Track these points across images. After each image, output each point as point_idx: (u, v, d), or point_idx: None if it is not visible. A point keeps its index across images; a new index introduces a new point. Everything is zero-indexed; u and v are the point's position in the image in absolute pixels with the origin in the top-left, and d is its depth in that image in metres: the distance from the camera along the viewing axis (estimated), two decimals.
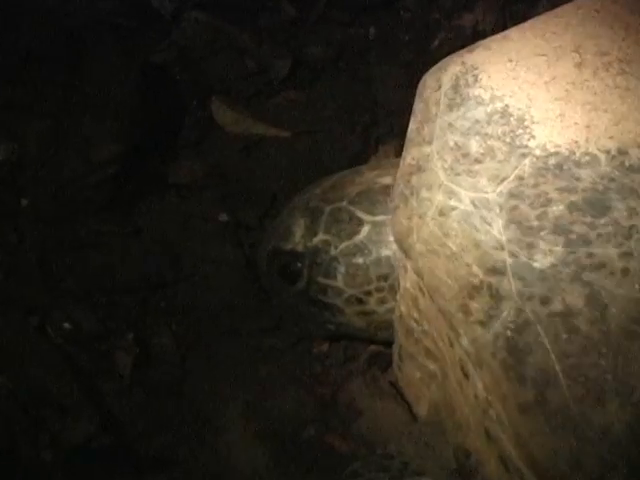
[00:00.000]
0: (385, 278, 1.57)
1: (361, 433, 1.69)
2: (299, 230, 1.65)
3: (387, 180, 1.63)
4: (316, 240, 1.63)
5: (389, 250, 1.57)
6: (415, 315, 1.47)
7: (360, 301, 1.60)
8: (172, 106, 2.21)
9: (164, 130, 2.16)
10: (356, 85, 2.25)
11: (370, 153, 2.09)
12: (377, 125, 2.17)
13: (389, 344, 1.66)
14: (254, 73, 2.26)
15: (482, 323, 1.26)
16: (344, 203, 1.63)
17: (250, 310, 1.90)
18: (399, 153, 1.52)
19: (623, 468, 1.16)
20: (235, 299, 1.92)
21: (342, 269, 1.60)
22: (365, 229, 1.59)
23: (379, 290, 1.58)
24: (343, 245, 1.60)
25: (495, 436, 1.29)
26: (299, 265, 1.64)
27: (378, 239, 1.58)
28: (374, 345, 1.80)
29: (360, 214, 1.61)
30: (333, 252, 1.61)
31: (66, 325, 1.79)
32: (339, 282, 1.61)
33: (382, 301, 1.59)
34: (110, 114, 2.00)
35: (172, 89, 2.24)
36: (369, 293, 1.59)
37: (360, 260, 1.59)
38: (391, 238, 1.53)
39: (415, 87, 1.54)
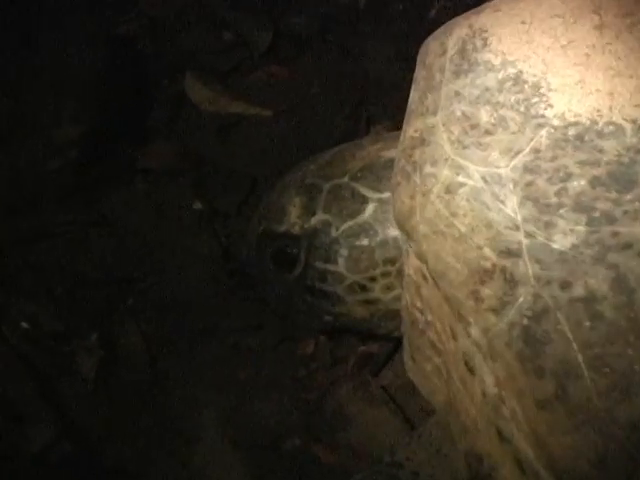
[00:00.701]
0: (392, 262, 1.52)
1: (350, 443, 1.67)
2: (294, 210, 1.59)
3: (392, 153, 1.56)
4: (314, 220, 1.58)
5: (397, 230, 1.49)
6: (418, 304, 1.44)
7: (364, 288, 1.55)
8: (140, 83, 2.20)
9: (132, 110, 2.13)
10: (345, 60, 2.22)
11: (360, 134, 2.04)
12: (368, 104, 2.14)
13: (387, 341, 1.63)
14: (231, 46, 2.24)
15: (495, 311, 1.23)
16: (345, 179, 1.58)
17: (227, 307, 1.88)
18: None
19: None
20: (211, 295, 1.90)
21: (344, 252, 1.55)
22: (370, 207, 1.54)
23: (385, 275, 1.53)
24: (345, 225, 1.55)
25: (509, 436, 1.25)
26: (295, 249, 1.59)
27: (384, 218, 1.53)
28: (364, 346, 1.78)
29: (364, 191, 1.56)
30: (334, 233, 1.56)
31: (23, 324, 1.78)
32: (340, 267, 1.55)
33: (388, 287, 1.53)
34: (71, 92, 1.97)
35: (140, 64, 2.21)
36: (374, 279, 1.54)
37: (365, 242, 1.54)
38: None
39: (410, 61, 1.51)
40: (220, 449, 1.67)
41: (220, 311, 1.88)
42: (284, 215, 1.62)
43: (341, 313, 1.59)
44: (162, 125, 2.15)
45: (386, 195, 1.54)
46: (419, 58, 1.46)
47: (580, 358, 1.16)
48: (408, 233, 1.36)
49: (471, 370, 1.28)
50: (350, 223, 1.54)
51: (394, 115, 1.54)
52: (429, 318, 1.41)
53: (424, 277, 1.39)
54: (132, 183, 2.04)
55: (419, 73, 1.44)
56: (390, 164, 1.52)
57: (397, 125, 1.46)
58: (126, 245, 1.96)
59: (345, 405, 1.71)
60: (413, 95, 1.43)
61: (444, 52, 1.40)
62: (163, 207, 2.01)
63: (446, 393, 1.42)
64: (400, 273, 1.51)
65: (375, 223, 1.53)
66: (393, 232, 1.52)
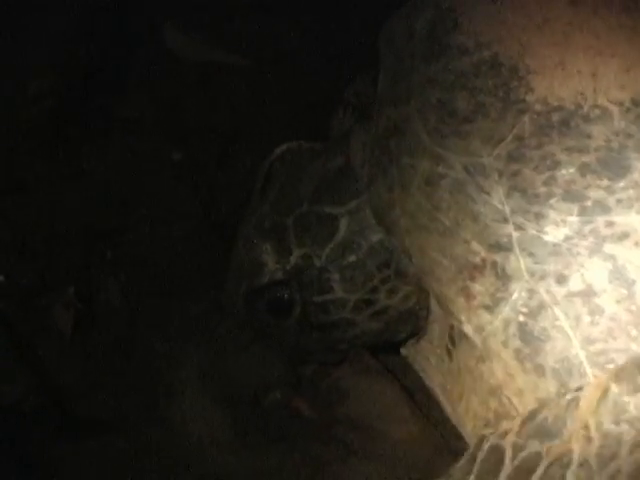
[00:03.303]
0: (387, 265, 1.37)
1: (347, 413, 1.56)
2: (269, 257, 1.43)
3: (339, 161, 1.43)
4: (294, 259, 1.42)
5: (379, 233, 1.36)
6: None
7: (369, 302, 1.40)
8: (119, 31, 2.01)
9: (110, 59, 1.98)
10: (329, 5, 2.02)
11: (344, 84, 1.85)
12: (354, 51, 1.94)
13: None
14: None
15: (488, 308, 1.12)
16: (305, 207, 1.42)
17: (207, 261, 1.75)
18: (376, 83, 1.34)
19: None
20: (190, 249, 1.77)
21: (336, 277, 1.39)
22: (342, 223, 1.39)
23: (385, 281, 1.38)
24: (327, 250, 1.39)
25: None
26: (286, 293, 1.43)
27: (361, 227, 1.37)
28: None
29: (329, 210, 1.40)
30: (319, 263, 1.40)
31: None
32: (338, 292, 1.40)
33: (392, 291, 1.39)
34: (47, 39, 1.85)
35: (120, 13, 2.03)
36: (375, 289, 1.39)
37: (352, 258, 1.38)
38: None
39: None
40: (200, 404, 1.57)
41: (200, 265, 1.76)
42: (261, 266, 1.45)
43: (355, 336, 1.45)
44: (141, 74, 2.00)
45: (353, 204, 1.39)
46: (382, 41, 1.34)
47: (582, 355, 1.07)
48: (388, 228, 1.24)
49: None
50: (330, 246, 1.39)
51: (377, 63, 1.37)
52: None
53: None
54: (109, 134, 1.92)
55: (386, 58, 1.31)
56: (341, 172, 1.41)
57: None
58: (104, 197, 1.82)
59: (341, 378, 1.59)
60: (383, 82, 1.30)
61: (412, 35, 1.27)
62: (141, 158, 1.88)
63: None
64: (399, 272, 1.37)
65: (354, 236, 1.39)
66: (375, 237, 1.37)
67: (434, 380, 1.42)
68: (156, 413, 1.54)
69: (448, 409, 1.38)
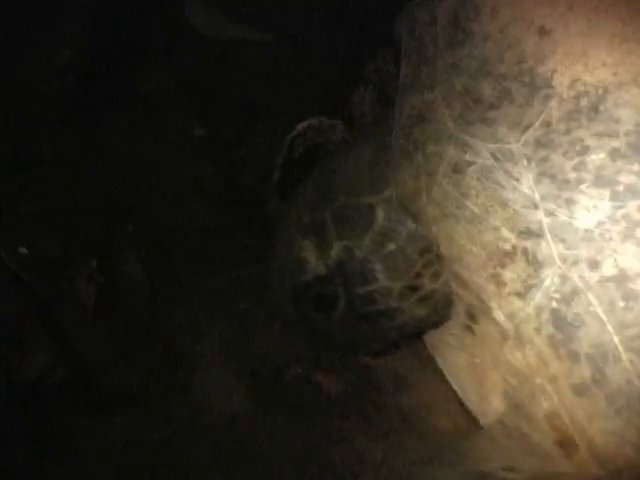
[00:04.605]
0: (427, 250, 1.32)
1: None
2: (310, 253, 1.40)
3: (369, 152, 1.39)
4: (335, 252, 1.38)
5: None
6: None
7: (414, 288, 1.35)
8: (139, 6, 1.95)
9: (130, 34, 1.93)
10: None
11: (365, 58, 1.80)
12: (372, 27, 1.89)
13: None
14: None
15: (520, 295, 1.09)
16: (341, 199, 1.38)
17: (229, 237, 1.72)
18: (398, 63, 1.30)
19: None
20: (212, 224, 1.73)
21: (379, 267, 1.35)
22: (379, 211, 1.34)
23: (427, 266, 1.33)
24: (366, 241, 1.35)
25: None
26: (331, 287, 1.39)
27: (398, 214, 1.33)
28: None
29: (365, 200, 1.36)
30: (360, 254, 1.36)
31: (21, 249, 1.60)
32: (382, 281, 1.35)
33: (436, 275, 1.34)
34: (68, 14, 1.79)
35: None
36: (419, 275, 1.34)
37: (392, 246, 1.34)
38: None
39: None
40: (222, 378, 1.54)
41: (222, 240, 1.72)
42: (303, 264, 1.41)
43: (404, 322, 1.40)
44: (162, 50, 1.97)
45: (387, 192, 1.34)
46: (404, 28, 1.28)
47: (616, 340, 1.04)
48: (414, 216, 1.20)
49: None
50: (369, 236, 1.35)
51: (398, 41, 1.33)
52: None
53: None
54: (131, 109, 1.88)
55: (408, 44, 1.26)
56: (373, 160, 1.37)
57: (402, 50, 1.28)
58: (126, 172, 1.78)
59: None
60: (405, 69, 1.25)
61: (434, 22, 1.22)
62: (163, 133, 1.86)
63: None
64: (439, 256, 1.31)
65: (392, 223, 1.34)
66: (413, 222, 1.32)
67: (453, 365, 1.38)
68: (178, 387, 1.52)
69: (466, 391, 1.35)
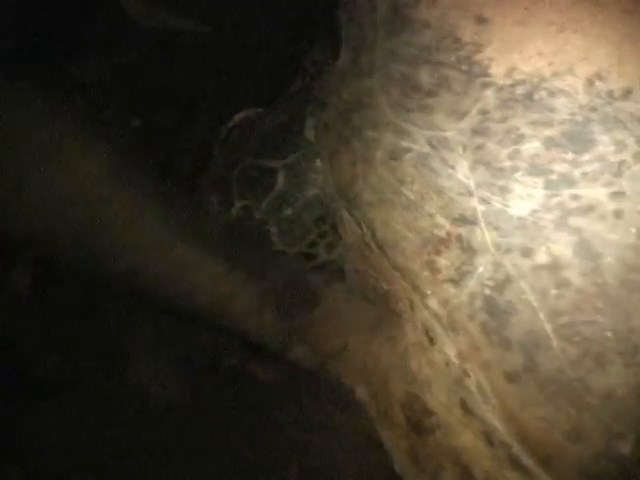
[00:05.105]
0: (323, 220, 1.33)
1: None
2: (213, 208, 1.39)
3: (282, 118, 1.41)
4: (235, 211, 1.37)
5: (315, 188, 1.33)
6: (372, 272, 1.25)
7: (310, 256, 1.35)
8: None
9: (65, 23, 1.84)
10: None
11: (303, 51, 1.79)
12: (312, 18, 1.88)
13: None
14: None
15: (454, 281, 1.08)
16: (249, 160, 1.38)
17: (168, 224, 1.63)
18: (336, 54, 1.29)
19: (630, 436, 1.01)
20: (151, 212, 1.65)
21: (274, 230, 1.35)
22: (280, 176, 1.35)
23: (322, 235, 1.34)
24: (264, 204, 1.35)
25: (474, 409, 1.09)
26: None
27: (298, 181, 1.34)
28: None
29: (269, 163, 1.36)
30: (258, 215, 1.35)
31: None
32: (278, 245, 1.35)
33: (331, 246, 1.34)
34: (2, 2, 1.70)
35: None
36: (314, 244, 1.35)
37: (289, 211, 1.34)
38: (313, 175, 1.32)
39: None
40: (156, 366, 1.50)
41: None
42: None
43: None
44: (99, 40, 1.88)
45: (291, 158, 1.36)
46: (342, 14, 1.26)
47: (548, 327, 1.03)
48: (350, 201, 1.19)
49: (431, 341, 1.11)
50: (268, 199, 1.34)
51: (338, 32, 1.31)
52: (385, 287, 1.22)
53: (367, 245, 1.19)
54: (67, 99, 1.77)
55: (348, 31, 1.24)
56: (281, 127, 1.39)
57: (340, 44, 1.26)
58: None
59: None
60: (344, 55, 1.24)
61: (374, 9, 1.21)
62: (99, 123, 1.75)
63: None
64: (336, 229, 1.31)
65: (291, 189, 1.35)
66: (311, 191, 1.35)
67: None
68: (113, 376, 1.48)
69: None
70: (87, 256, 1.34)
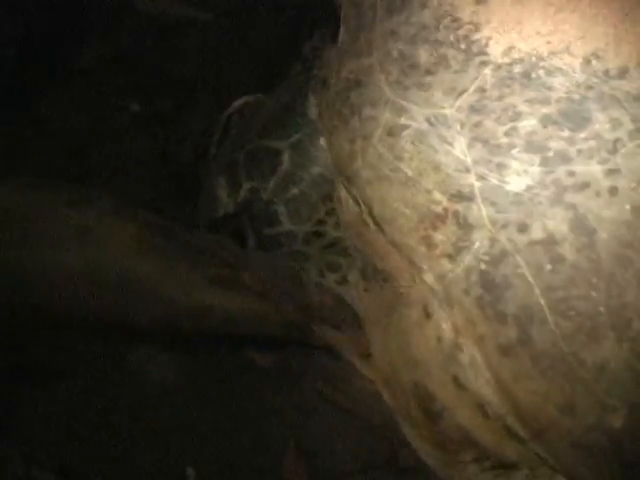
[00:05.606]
0: (330, 198, 1.33)
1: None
2: (222, 190, 1.42)
3: (285, 98, 1.43)
4: (243, 192, 1.39)
5: (320, 166, 1.35)
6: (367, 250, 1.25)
7: (318, 234, 1.35)
8: None
9: (70, 10, 1.89)
10: None
11: (303, 38, 1.79)
12: (312, 5, 1.88)
13: None
14: None
15: (450, 256, 1.08)
16: (255, 141, 1.39)
17: (165, 210, 1.64)
18: (336, 36, 1.30)
19: (622, 410, 1.01)
20: (148, 198, 1.69)
21: (282, 209, 1.37)
22: (285, 157, 1.36)
23: (330, 213, 1.34)
24: (271, 184, 1.36)
25: (467, 384, 1.09)
26: (241, 225, 1.38)
27: (303, 160, 1.35)
28: None
29: (274, 144, 1.36)
30: (265, 196, 1.36)
31: None
32: (286, 225, 1.36)
33: (339, 223, 1.35)
34: None
35: None
36: (322, 222, 1.35)
37: (295, 191, 1.35)
38: (317, 153, 1.34)
39: None
40: (155, 351, 1.49)
41: (157, 214, 1.64)
42: (216, 200, 1.44)
43: (312, 267, 1.39)
44: (100, 25, 1.92)
45: (295, 138, 1.38)
46: None
47: (543, 302, 1.03)
48: (349, 178, 1.19)
49: (428, 315, 1.10)
50: (274, 180, 1.36)
51: (337, 18, 1.32)
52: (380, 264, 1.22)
53: (364, 222, 1.19)
54: (69, 84, 1.83)
55: (347, 11, 1.25)
56: (285, 108, 1.40)
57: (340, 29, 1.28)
58: (64, 147, 1.75)
59: None
60: (343, 35, 1.25)
61: None
62: (101, 108, 1.81)
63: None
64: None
65: (296, 169, 1.36)
66: (316, 170, 1.37)
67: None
68: (112, 360, 1.48)
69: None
70: (120, 315, 1.37)
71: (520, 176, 1.06)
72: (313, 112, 1.32)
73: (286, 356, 1.51)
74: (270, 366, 1.50)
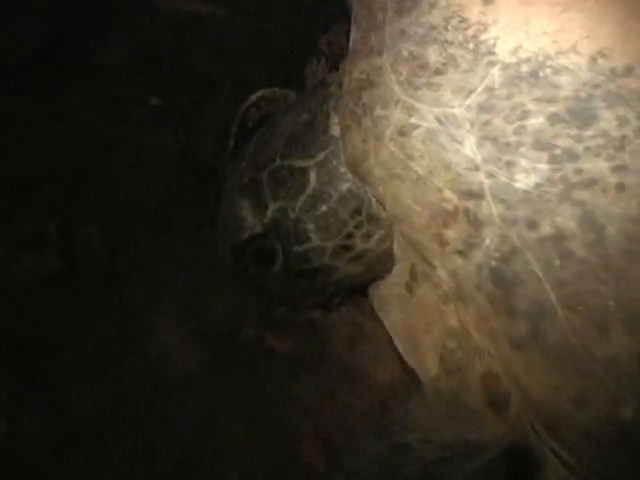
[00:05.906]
0: (358, 212, 1.35)
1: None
2: (247, 212, 1.41)
3: (306, 117, 1.41)
4: (270, 213, 1.39)
5: (347, 182, 1.33)
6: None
7: (346, 248, 1.37)
8: None
9: (91, 6, 1.92)
10: None
11: (319, 33, 1.80)
12: (327, 2, 1.90)
13: None
14: None
15: (461, 253, 1.10)
16: (277, 161, 1.39)
17: (185, 203, 1.72)
18: (349, 35, 1.31)
19: (633, 403, 1.02)
20: (168, 191, 1.73)
21: (311, 227, 1.37)
22: (312, 175, 1.36)
23: (359, 226, 1.36)
24: (299, 202, 1.37)
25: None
26: (268, 244, 1.40)
27: (329, 177, 1.35)
28: None
29: (299, 163, 1.37)
30: (293, 215, 1.37)
31: None
32: (315, 241, 1.37)
33: (368, 235, 1.36)
34: None
35: None
36: (350, 235, 1.36)
37: (324, 208, 1.36)
38: (342, 169, 1.32)
39: None
40: (177, 338, 1.53)
41: (177, 207, 1.72)
42: (241, 222, 1.42)
43: (340, 279, 1.42)
44: (121, 22, 1.95)
45: (321, 156, 1.37)
46: None
47: (553, 297, 1.05)
48: (362, 177, 1.21)
49: (441, 314, 1.13)
50: (302, 198, 1.36)
51: (349, 14, 1.33)
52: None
53: None
54: (91, 79, 1.86)
55: (358, 11, 1.26)
56: (309, 126, 1.38)
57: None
58: (85, 140, 1.77)
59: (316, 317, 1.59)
60: (355, 35, 1.25)
61: None
62: (121, 102, 1.84)
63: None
64: (372, 217, 1.34)
65: (324, 186, 1.36)
66: (344, 185, 1.35)
67: (395, 325, 1.38)
68: (134, 346, 1.51)
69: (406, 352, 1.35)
70: None
71: (529, 174, 1.07)
72: (336, 130, 1.32)
73: (304, 343, 1.54)
74: (289, 353, 1.53)
